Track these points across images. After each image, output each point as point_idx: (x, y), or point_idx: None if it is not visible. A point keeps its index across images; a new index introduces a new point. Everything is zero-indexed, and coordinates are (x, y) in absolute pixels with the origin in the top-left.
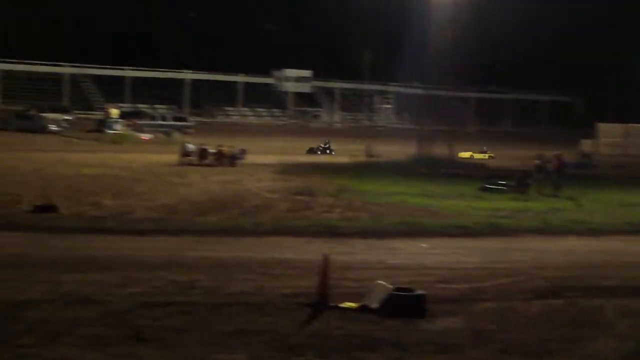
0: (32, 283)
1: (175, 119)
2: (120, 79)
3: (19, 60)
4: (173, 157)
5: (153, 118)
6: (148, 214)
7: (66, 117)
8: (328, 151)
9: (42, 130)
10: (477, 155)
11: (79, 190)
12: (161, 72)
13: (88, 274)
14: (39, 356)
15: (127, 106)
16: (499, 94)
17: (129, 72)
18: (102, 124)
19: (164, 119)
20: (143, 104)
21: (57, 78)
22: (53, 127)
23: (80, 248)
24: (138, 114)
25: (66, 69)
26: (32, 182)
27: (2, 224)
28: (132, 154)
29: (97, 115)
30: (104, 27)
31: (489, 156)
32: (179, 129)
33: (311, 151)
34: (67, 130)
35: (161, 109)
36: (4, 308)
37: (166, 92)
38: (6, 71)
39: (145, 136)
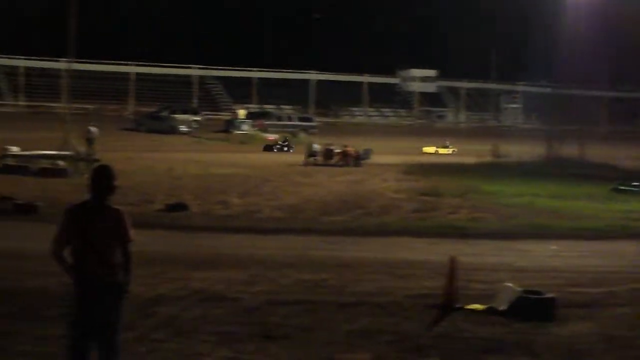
0: (165, 280)
1: (301, 119)
2: (248, 80)
3: (151, 63)
4: (298, 157)
5: (279, 118)
6: (274, 213)
7: (195, 118)
8: (286, 148)
9: (173, 131)
10: (442, 150)
11: (208, 189)
12: (287, 73)
13: (217, 272)
14: (172, 351)
15: (253, 107)
16: (635, 93)
17: (255, 73)
18: (230, 125)
19: (289, 119)
20: (269, 104)
21: (186, 80)
22: (183, 128)
23: (209, 246)
24: (264, 115)
25: (195, 71)
26: (164, 181)
27: (138, 222)
28: (259, 154)
29: (225, 116)
30: (231, 30)
31: (452, 151)
32: (305, 129)
33: (268, 149)
34: (196, 131)
35: (287, 109)
36: (140, 303)
37: (292, 93)
38: (139, 74)
39: (271, 136)
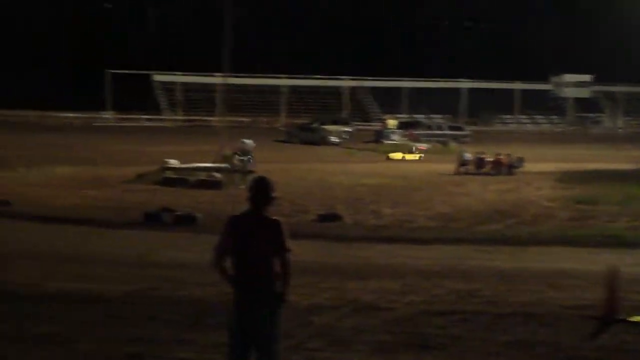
0: (320, 289)
1: (451, 128)
2: (397, 90)
3: (303, 76)
4: (450, 167)
5: (429, 128)
6: (426, 223)
7: (346, 129)
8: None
9: (324, 142)
10: (409, 156)
11: (360, 199)
12: (437, 82)
13: (370, 282)
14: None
15: (403, 117)
16: None
17: (405, 83)
18: (380, 135)
19: (440, 128)
20: (419, 114)
21: (337, 91)
22: (334, 139)
23: (362, 256)
24: (414, 124)
25: (346, 82)
26: (316, 192)
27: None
28: (409, 163)
29: (375, 126)
30: (381, 40)
31: (420, 156)
32: (455, 138)
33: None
34: (346, 141)
35: (437, 118)
36: (296, 312)
37: (442, 102)
38: (291, 86)
39: (421, 146)
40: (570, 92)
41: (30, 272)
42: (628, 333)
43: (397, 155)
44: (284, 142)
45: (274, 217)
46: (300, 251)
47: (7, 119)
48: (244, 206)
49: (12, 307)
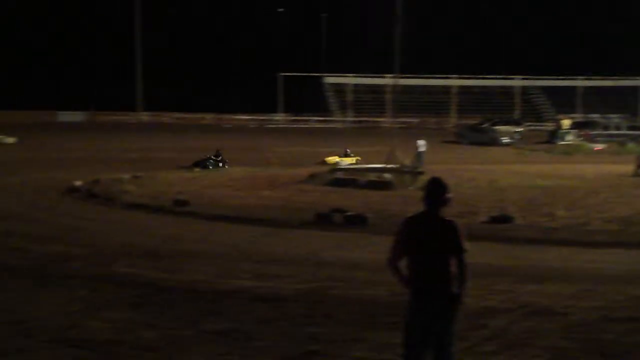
0: (492, 292)
1: (630, 128)
2: (572, 89)
3: (473, 76)
4: (628, 168)
5: (606, 127)
6: (604, 226)
7: (518, 130)
8: (221, 164)
9: (495, 142)
10: (346, 160)
11: (532, 201)
12: (614, 81)
13: (544, 285)
14: None
15: (578, 116)
16: None
17: (580, 82)
18: (553, 135)
19: (617, 128)
20: (595, 113)
21: (508, 91)
22: (505, 140)
23: (535, 259)
24: (590, 124)
25: (517, 82)
26: (487, 193)
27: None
28: (584, 164)
29: (548, 126)
30: (552, 38)
31: (356, 159)
32: (634, 138)
33: (199, 165)
34: (518, 142)
35: (615, 118)
36: (469, 315)
37: (620, 101)
38: (461, 87)
39: (598, 146)
40: None
41: (208, 269)
42: None
43: (332, 160)
44: (453, 142)
45: (449, 218)
46: (471, 253)
47: (187, 122)
48: (415, 207)
49: (192, 304)
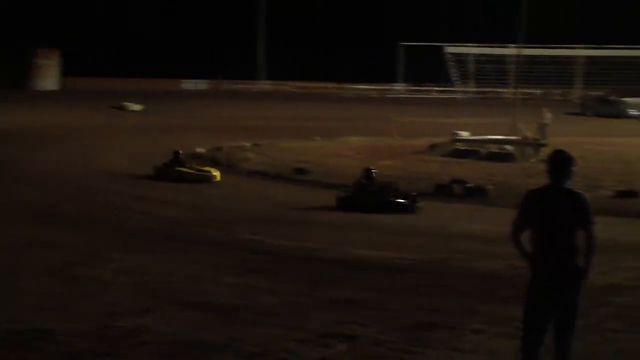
0: (619, 269)
1: None
2: None
3: (601, 46)
4: None
5: None
6: None
7: None
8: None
9: (622, 115)
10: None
11: None
12: None
13: None
14: (627, 341)
15: None
16: None
17: None
18: None
19: None
20: None
21: (638, 62)
22: (633, 112)
23: None
24: None
25: None
26: (613, 167)
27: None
28: None
29: None
30: None
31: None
32: None
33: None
34: None
35: None
36: (593, 291)
37: None
38: (587, 57)
39: None
40: None
41: (327, 237)
42: None
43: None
44: (578, 114)
45: (577, 190)
46: (596, 228)
47: (310, 91)
48: (536, 180)
49: (311, 271)
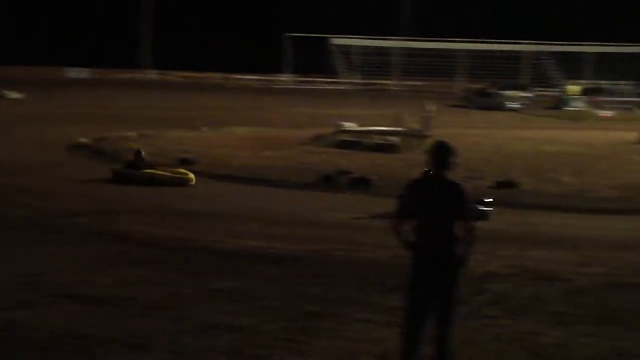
0: (496, 257)
1: (639, 95)
2: (580, 55)
3: (480, 40)
4: (634, 135)
5: (613, 94)
6: (609, 193)
7: (525, 95)
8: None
9: (501, 107)
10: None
11: (538, 167)
12: (623, 47)
13: (547, 251)
14: (504, 327)
15: (587, 82)
16: None
17: (589, 48)
18: (560, 101)
19: (626, 95)
20: (604, 79)
21: (517, 56)
22: (512, 105)
23: (539, 224)
24: (598, 91)
25: (526, 47)
26: (492, 158)
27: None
28: (591, 131)
29: (555, 92)
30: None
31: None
32: None
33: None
34: (525, 107)
35: (623, 84)
36: (472, 279)
37: (629, 67)
38: (468, 50)
39: (605, 113)
40: None
41: (214, 229)
42: None
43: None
44: (460, 107)
45: (455, 181)
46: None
47: (196, 80)
48: (420, 170)
49: (196, 262)
